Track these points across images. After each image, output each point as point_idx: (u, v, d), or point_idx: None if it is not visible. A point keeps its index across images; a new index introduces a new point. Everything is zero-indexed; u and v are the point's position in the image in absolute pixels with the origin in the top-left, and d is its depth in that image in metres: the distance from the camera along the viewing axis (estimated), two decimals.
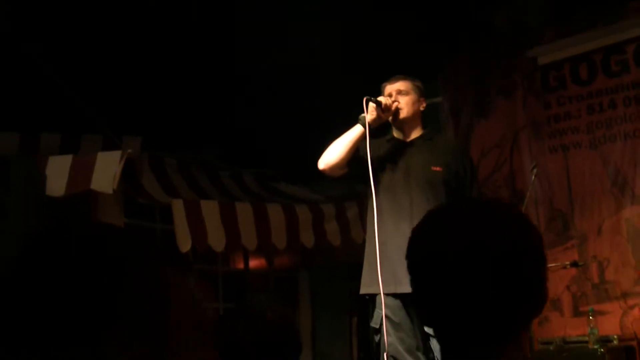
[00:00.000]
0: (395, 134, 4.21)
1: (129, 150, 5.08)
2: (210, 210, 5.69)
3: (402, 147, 4.11)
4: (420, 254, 1.50)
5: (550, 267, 4.92)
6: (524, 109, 6.31)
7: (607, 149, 5.85)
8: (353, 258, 4.85)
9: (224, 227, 5.72)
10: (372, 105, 3.97)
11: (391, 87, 4.15)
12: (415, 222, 1.54)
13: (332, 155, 3.99)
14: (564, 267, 5.19)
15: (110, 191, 4.88)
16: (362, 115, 3.98)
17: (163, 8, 5.37)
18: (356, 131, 3.99)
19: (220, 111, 6.14)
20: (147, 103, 5.76)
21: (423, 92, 4.21)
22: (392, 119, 4.13)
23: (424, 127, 4.23)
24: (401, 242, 3.79)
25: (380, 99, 4.01)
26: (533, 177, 4.79)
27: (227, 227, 5.74)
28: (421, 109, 4.19)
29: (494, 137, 6.43)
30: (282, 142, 6.28)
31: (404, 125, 4.15)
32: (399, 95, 4.11)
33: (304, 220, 6.20)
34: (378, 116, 4.01)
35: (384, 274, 3.70)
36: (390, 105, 4.02)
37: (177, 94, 5.89)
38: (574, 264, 5.15)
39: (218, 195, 6.13)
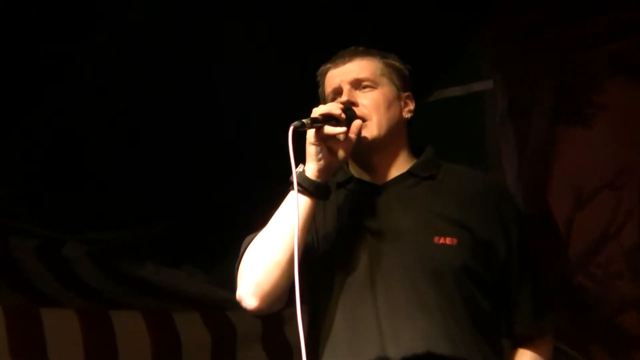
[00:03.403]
0: (355, 170, 2.10)
1: None
2: None
3: (370, 199, 2.04)
4: None
5: None
6: None
7: None
8: None
9: None
10: (308, 135, 1.86)
11: (339, 74, 2.03)
12: None
13: (268, 275, 1.86)
14: None
15: None
16: (299, 168, 1.91)
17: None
18: (296, 211, 1.86)
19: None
20: None
21: (408, 80, 2.11)
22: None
23: (414, 150, 2.10)
24: None
25: (318, 112, 1.87)
26: None
27: None
28: (405, 116, 2.08)
29: (604, 165, 3.67)
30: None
31: (374, 153, 2.05)
32: (357, 90, 2.02)
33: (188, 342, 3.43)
34: (332, 150, 1.87)
35: None
36: (340, 115, 1.88)
37: None
38: None
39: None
